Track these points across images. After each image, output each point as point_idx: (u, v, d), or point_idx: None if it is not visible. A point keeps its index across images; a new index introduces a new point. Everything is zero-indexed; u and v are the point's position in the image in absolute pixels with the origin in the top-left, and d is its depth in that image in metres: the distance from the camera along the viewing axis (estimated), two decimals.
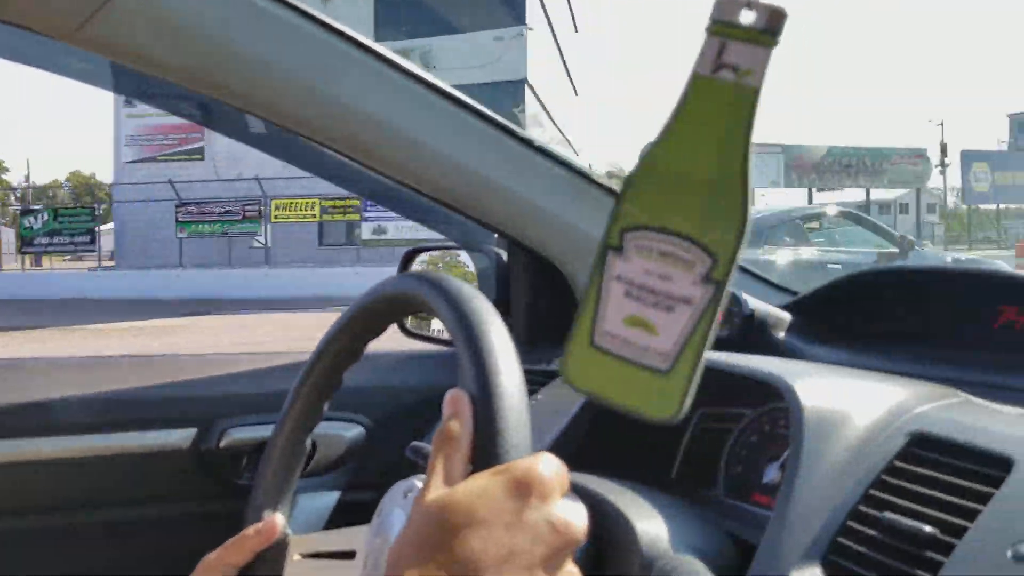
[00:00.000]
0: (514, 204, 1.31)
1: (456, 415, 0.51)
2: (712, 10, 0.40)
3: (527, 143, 1.28)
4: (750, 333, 1.24)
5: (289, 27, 1.08)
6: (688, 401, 0.42)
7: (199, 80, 1.06)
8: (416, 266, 1.67)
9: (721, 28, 0.39)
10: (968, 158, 33.16)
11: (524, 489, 0.45)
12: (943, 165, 37.15)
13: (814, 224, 8.02)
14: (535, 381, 1.28)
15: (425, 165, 1.23)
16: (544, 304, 1.46)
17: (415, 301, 0.72)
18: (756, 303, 1.28)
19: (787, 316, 1.28)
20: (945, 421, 0.77)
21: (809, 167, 30.77)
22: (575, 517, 0.46)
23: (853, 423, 0.79)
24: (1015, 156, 37.28)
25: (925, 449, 0.75)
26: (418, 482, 0.73)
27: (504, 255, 1.48)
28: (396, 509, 0.74)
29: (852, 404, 0.82)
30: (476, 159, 1.25)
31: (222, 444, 1.27)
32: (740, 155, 0.40)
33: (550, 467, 0.47)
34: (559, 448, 1.07)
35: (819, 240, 7.80)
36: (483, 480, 0.46)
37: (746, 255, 0.42)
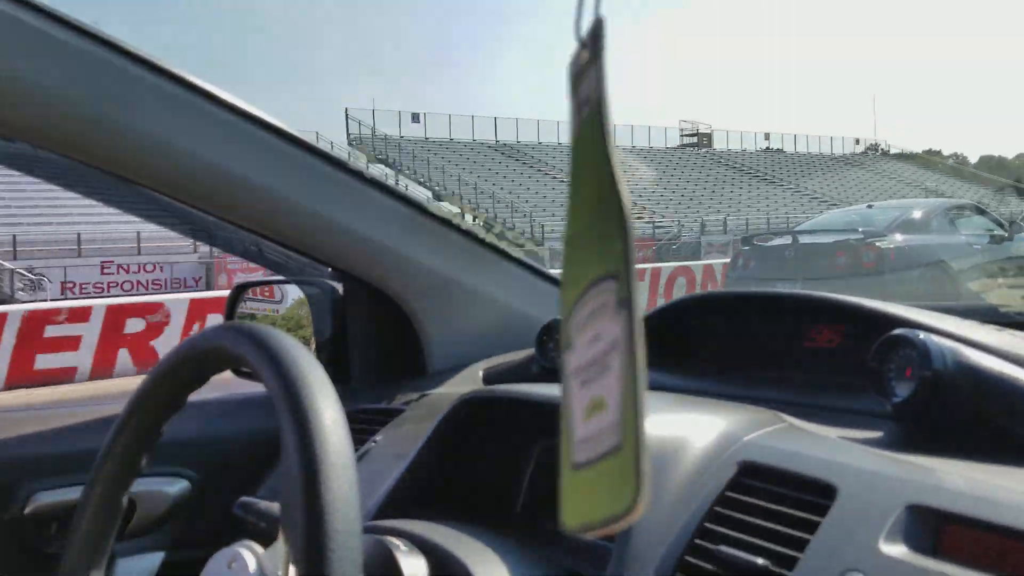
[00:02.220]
0: (347, 238, 1.27)
1: None
2: (570, 80, 0.38)
3: (358, 176, 1.24)
4: None
5: (94, 58, 1.01)
6: (644, 473, 0.32)
7: None
8: (245, 304, 1.59)
9: (574, 83, 0.38)
10: None
11: None
12: None
13: (955, 215, 8.82)
14: (375, 421, 1.24)
15: (253, 201, 1.17)
16: (383, 338, 1.43)
17: (240, 360, 0.69)
18: None
19: None
20: (772, 449, 0.80)
21: None
22: None
23: (686, 454, 0.81)
24: None
25: (754, 479, 0.77)
26: (242, 551, 0.70)
27: (339, 288, 1.43)
28: None
29: (684, 435, 0.83)
30: (305, 193, 1.20)
31: (27, 510, 1.15)
32: (608, 167, 0.36)
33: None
34: (400, 492, 1.04)
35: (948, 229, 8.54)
36: None
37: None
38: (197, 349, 0.73)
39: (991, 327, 0.98)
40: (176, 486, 1.24)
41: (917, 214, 8.52)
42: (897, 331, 0.87)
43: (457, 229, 1.37)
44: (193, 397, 0.78)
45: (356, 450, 1.17)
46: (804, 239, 8.39)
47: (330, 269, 1.39)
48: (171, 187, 1.15)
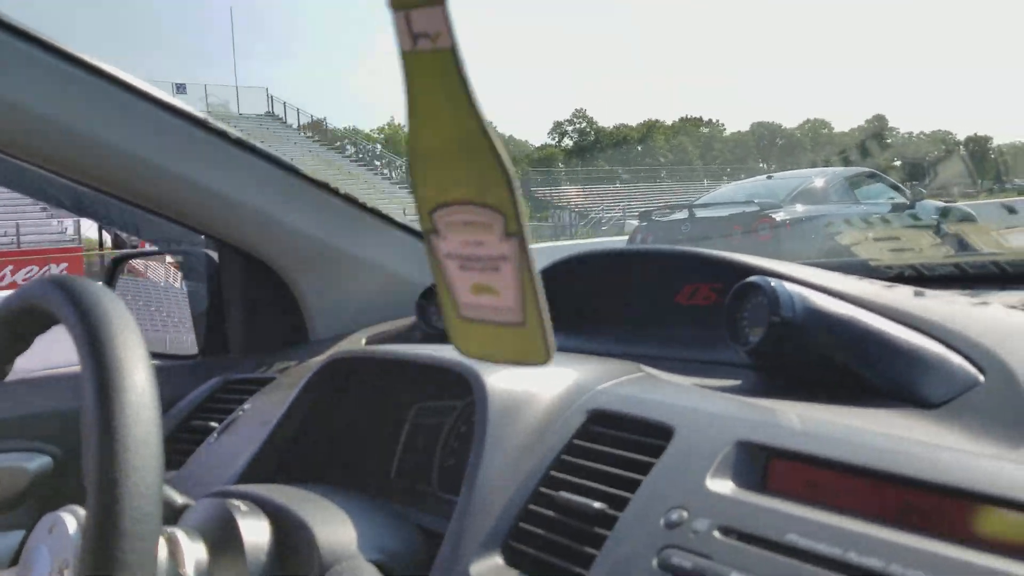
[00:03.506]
0: (218, 203, 1.23)
1: None
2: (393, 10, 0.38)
3: (224, 136, 1.20)
4: None
5: None
6: (552, 343, 0.43)
7: None
8: (124, 276, 1.53)
9: (399, 1, 0.38)
10: None
11: None
12: None
13: (855, 182, 8.66)
14: (247, 391, 1.21)
15: (122, 168, 1.12)
16: (260, 306, 1.38)
17: (53, 315, 0.66)
18: None
19: None
20: (621, 397, 0.80)
21: None
22: None
23: (535, 405, 0.80)
24: None
25: (601, 425, 0.77)
26: (64, 515, 0.67)
27: (215, 257, 1.39)
28: (41, 546, 0.68)
29: (535, 387, 0.82)
30: (176, 160, 1.16)
31: None
32: (471, 114, 0.39)
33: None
34: (264, 458, 1.01)
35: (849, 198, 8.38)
36: None
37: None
38: (8, 309, 0.70)
39: (852, 277, 1.00)
40: (36, 462, 1.18)
41: (817, 183, 8.41)
42: (750, 279, 0.88)
43: (336, 193, 1.33)
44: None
45: (224, 419, 1.14)
46: (700, 213, 8.32)
47: (203, 237, 1.34)
48: (28, 152, 1.09)
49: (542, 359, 0.44)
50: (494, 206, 0.41)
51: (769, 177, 9.48)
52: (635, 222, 8.71)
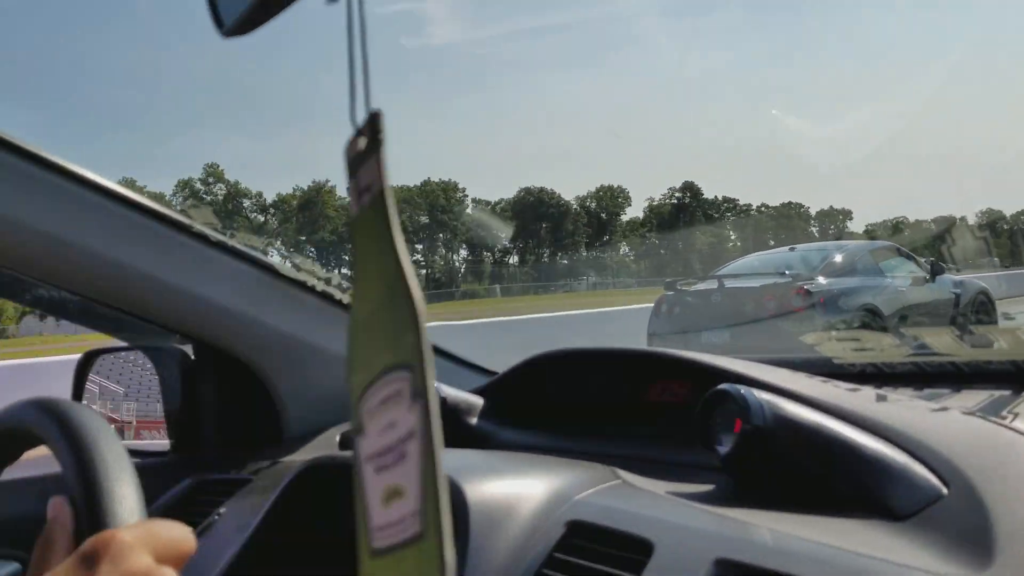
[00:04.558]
0: (193, 303, 1.24)
1: (55, 519, 0.54)
2: (346, 165, 0.39)
3: (204, 239, 1.22)
4: (444, 421, 1.25)
5: None
6: (451, 561, 0.32)
7: None
8: (95, 372, 1.52)
9: (352, 168, 0.39)
10: None
11: (91, 558, 0.46)
12: None
13: (879, 256, 8.57)
14: (222, 492, 1.20)
15: (92, 271, 1.13)
16: (236, 404, 1.38)
17: (41, 438, 0.66)
18: (448, 390, 1.29)
19: (479, 401, 1.31)
20: (600, 508, 0.81)
21: None
22: (166, 551, 0.48)
23: (517, 515, 0.81)
24: None
25: (581, 538, 0.78)
26: None
27: (190, 353, 1.39)
28: None
29: (516, 494, 0.84)
30: (144, 257, 1.17)
31: None
32: (395, 255, 0.36)
33: (130, 531, 0.48)
34: (240, 565, 1.01)
35: (874, 271, 8.31)
36: (59, 567, 0.46)
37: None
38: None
39: (817, 379, 1.03)
40: (6, 569, 1.16)
41: (842, 256, 8.25)
42: (721, 386, 0.91)
43: (311, 291, 1.35)
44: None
45: (199, 523, 1.13)
46: (730, 283, 8.09)
47: (179, 336, 1.34)
48: (25, 265, 1.09)
49: None
50: (404, 362, 0.36)
51: (791, 248, 9.23)
52: None
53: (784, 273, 7.74)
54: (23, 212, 1.04)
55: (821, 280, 7.68)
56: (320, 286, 1.36)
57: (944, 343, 1.14)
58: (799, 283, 7.55)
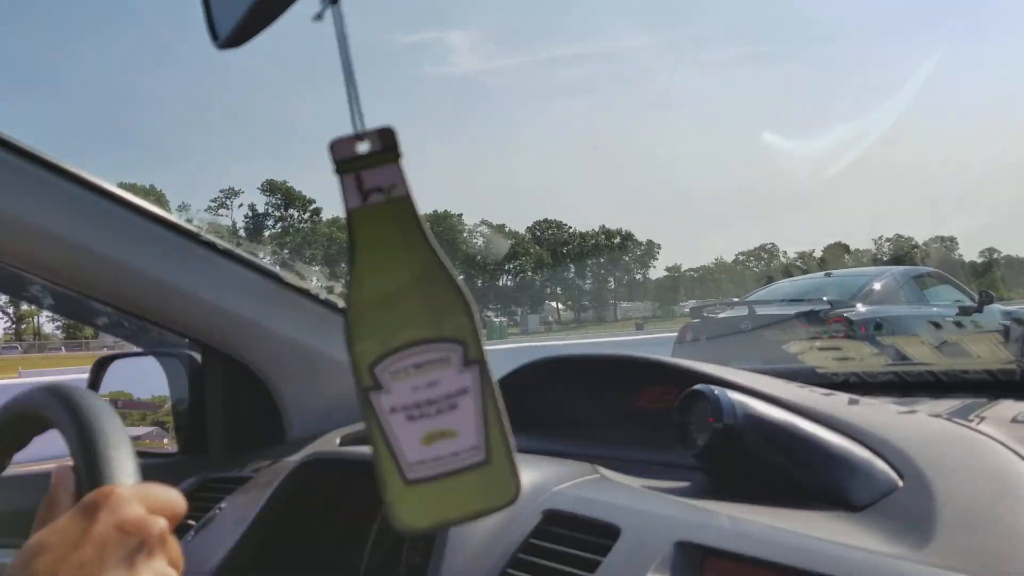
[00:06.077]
0: (203, 309, 1.29)
1: (59, 482, 0.58)
2: (331, 156, 0.44)
3: (212, 247, 1.28)
4: None
5: None
6: (520, 476, 0.43)
7: None
8: (108, 377, 1.58)
9: (347, 165, 0.44)
10: None
11: (91, 509, 0.49)
12: None
13: (923, 283, 8.11)
14: (224, 489, 1.25)
15: (110, 277, 1.19)
16: (242, 408, 1.44)
17: (49, 420, 0.71)
18: None
19: None
20: (574, 498, 0.86)
21: None
22: (159, 506, 0.52)
23: None
24: None
25: (556, 525, 0.82)
26: None
27: (198, 359, 1.45)
28: None
29: None
30: (159, 266, 1.23)
31: None
32: (428, 250, 0.43)
33: (127, 488, 0.52)
34: (238, 556, 1.05)
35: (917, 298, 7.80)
36: (61, 518, 0.50)
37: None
38: (9, 412, 0.75)
39: (795, 384, 1.07)
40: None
41: (883, 282, 7.68)
42: (696, 387, 0.95)
43: (315, 298, 1.40)
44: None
45: (201, 518, 1.18)
46: (761, 310, 7.58)
47: (187, 340, 1.40)
48: (15, 258, 1.15)
49: (510, 496, 0.43)
50: (452, 337, 0.43)
51: (828, 274, 8.70)
52: None
53: (823, 299, 7.26)
54: (53, 223, 1.11)
55: (860, 308, 7.16)
56: (323, 294, 1.42)
57: (923, 353, 1.17)
58: (837, 311, 7.03)
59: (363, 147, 0.44)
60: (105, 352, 1.56)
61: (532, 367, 1.37)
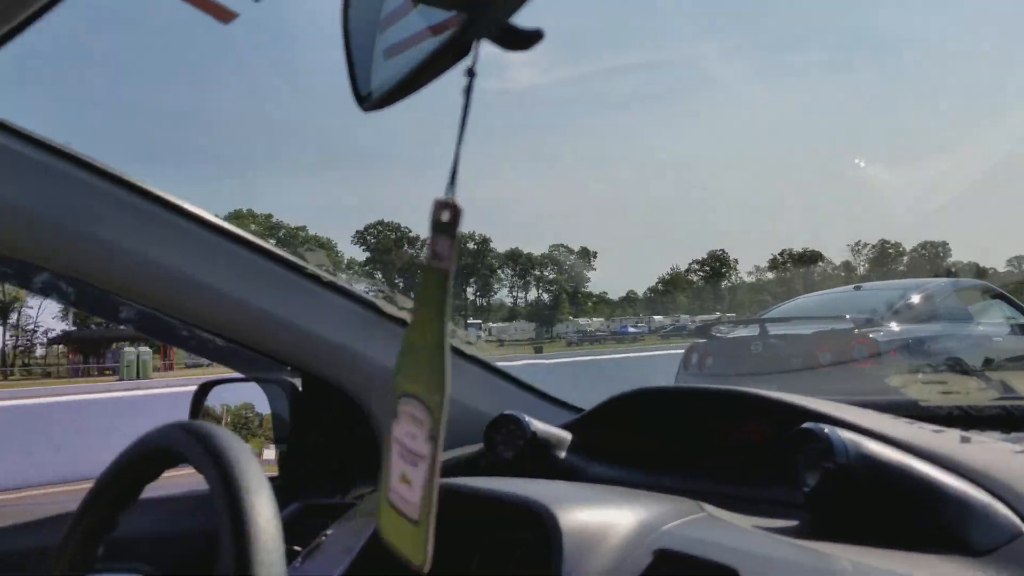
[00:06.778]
0: (305, 339, 1.34)
1: None
2: (432, 214, 0.48)
3: (314, 278, 1.32)
4: (533, 454, 1.31)
5: (60, 172, 1.11)
6: (429, 548, 0.47)
7: None
8: (211, 401, 1.64)
9: (434, 227, 0.48)
10: None
11: None
12: None
13: (969, 298, 7.18)
14: (328, 515, 1.28)
15: (210, 304, 1.24)
16: (341, 434, 1.47)
17: (185, 458, 0.75)
18: (538, 425, 1.35)
19: (567, 436, 1.36)
20: (686, 538, 0.86)
21: None
22: None
23: (605, 544, 0.86)
24: None
25: (669, 566, 0.83)
26: None
27: (299, 385, 1.49)
28: None
29: (608, 523, 0.89)
30: (262, 296, 1.28)
31: None
32: (440, 327, 0.48)
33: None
34: None
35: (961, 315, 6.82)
36: None
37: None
38: (147, 447, 0.79)
39: (903, 420, 1.06)
40: None
41: (921, 297, 6.80)
42: (805, 425, 0.94)
43: None
44: (151, 493, 0.82)
45: (307, 544, 1.21)
46: (775, 329, 6.78)
47: (290, 368, 1.45)
48: (134, 293, 1.22)
49: (420, 561, 0.47)
50: (430, 408, 0.48)
51: (857, 288, 7.85)
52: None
53: (845, 318, 6.41)
54: (165, 257, 1.17)
55: (893, 327, 6.35)
56: None
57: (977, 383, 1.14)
58: (863, 331, 6.22)
59: (444, 215, 0.48)
60: (210, 377, 1.62)
61: (623, 399, 1.38)
